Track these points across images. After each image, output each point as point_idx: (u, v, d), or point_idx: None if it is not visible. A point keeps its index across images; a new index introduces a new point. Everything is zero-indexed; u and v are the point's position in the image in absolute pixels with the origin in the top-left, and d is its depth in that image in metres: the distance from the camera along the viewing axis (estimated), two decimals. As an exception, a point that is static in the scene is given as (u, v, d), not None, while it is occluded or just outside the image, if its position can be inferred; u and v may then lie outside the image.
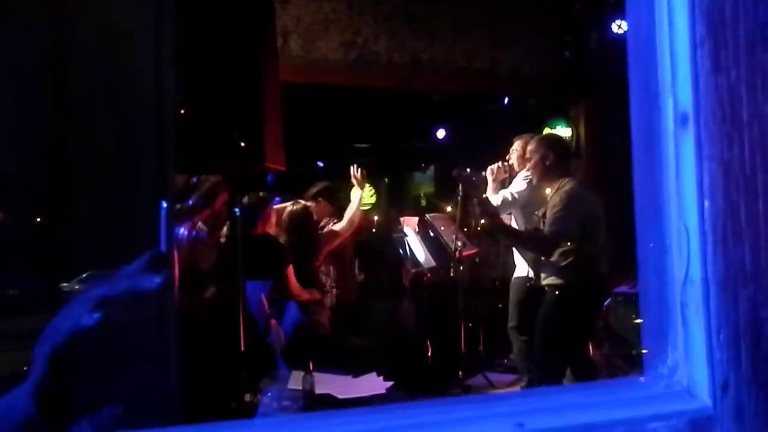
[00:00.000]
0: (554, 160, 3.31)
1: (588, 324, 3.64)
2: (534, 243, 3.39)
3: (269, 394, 3.44)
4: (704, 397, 0.51)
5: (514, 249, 3.84)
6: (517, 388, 3.98)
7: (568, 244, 3.21)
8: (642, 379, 0.54)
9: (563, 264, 3.22)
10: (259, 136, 2.49)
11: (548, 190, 3.58)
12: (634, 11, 0.57)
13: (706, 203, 0.52)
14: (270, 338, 3.87)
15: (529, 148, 3.43)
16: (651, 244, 0.55)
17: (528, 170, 3.53)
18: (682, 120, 0.53)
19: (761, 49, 0.53)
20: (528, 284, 3.69)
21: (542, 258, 3.36)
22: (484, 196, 3.58)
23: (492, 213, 3.44)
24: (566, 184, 3.25)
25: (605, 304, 4.36)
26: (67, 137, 1.64)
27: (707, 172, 0.52)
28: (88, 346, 0.58)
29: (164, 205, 0.70)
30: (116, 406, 0.59)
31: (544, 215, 3.30)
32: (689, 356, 0.52)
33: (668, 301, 0.53)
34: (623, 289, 4.55)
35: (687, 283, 0.52)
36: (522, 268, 3.78)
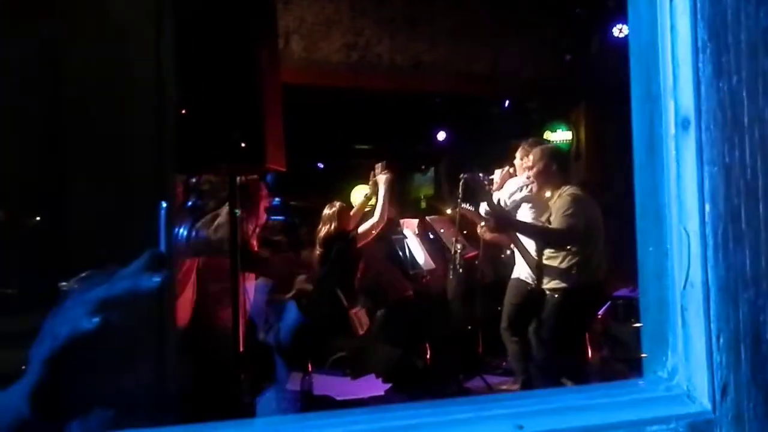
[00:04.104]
0: (556, 169, 3.43)
1: (584, 329, 3.70)
2: (547, 235, 3.45)
3: (267, 395, 3.44)
4: (704, 400, 0.51)
5: (515, 251, 3.86)
6: (512, 390, 3.99)
7: (571, 249, 3.27)
8: (641, 381, 0.54)
9: (566, 267, 3.27)
10: (260, 136, 2.49)
11: (548, 193, 3.63)
12: (635, 15, 0.57)
13: (707, 207, 0.52)
14: (268, 339, 3.88)
15: (532, 157, 3.50)
16: (651, 248, 0.55)
17: (528, 177, 3.59)
18: (683, 124, 0.53)
19: (763, 53, 0.53)
20: (528, 288, 3.71)
21: (547, 261, 3.41)
22: (492, 199, 3.68)
23: (503, 214, 3.55)
24: (568, 189, 3.33)
25: (605, 307, 4.38)
26: (65, 136, 1.64)
27: (708, 176, 0.52)
28: (87, 348, 0.58)
29: (163, 205, 0.70)
30: (107, 408, 0.59)
31: (548, 220, 3.37)
32: (689, 359, 0.52)
33: (668, 304, 0.54)
34: (623, 292, 4.56)
35: (687, 286, 0.52)
36: (520, 269, 3.79)
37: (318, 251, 4.15)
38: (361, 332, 4.18)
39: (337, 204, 4.26)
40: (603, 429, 0.49)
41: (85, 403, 0.57)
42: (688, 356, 0.52)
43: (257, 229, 3.57)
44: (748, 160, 0.53)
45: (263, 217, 3.64)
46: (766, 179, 0.53)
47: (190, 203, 3.46)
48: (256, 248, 3.55)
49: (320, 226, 4.20)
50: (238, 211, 3.08)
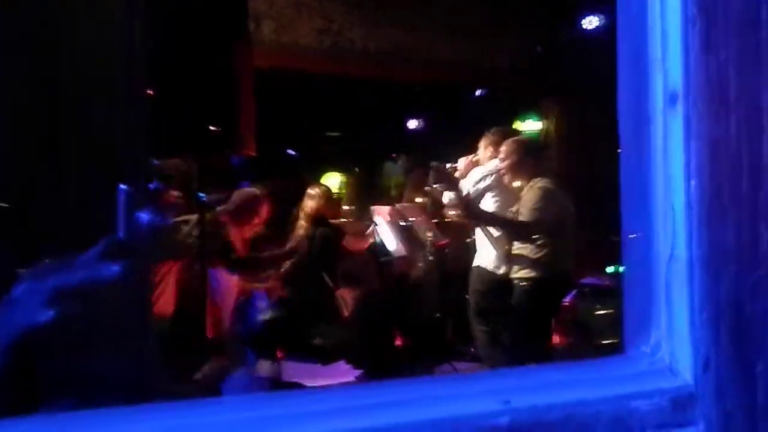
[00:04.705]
0: (528, 159, 3.44)
1: (552, 316, 3.76)
2: (514, 227, 3.48)
3: (233, 379, 3.39)
4: (686, 375, 0.51)
5: (477, 239, 3.89)
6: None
7: (541, 239, 3.30)
8: (625, 356, 0.54)
9: (536, 257, 3.31)
10: (233, 122, 2.45)
11: (517, 183, 3.65)
12: (625, -11, 0.57)
13: (693, 183, 0.52)
14: (238, 328, 3.84)
15: (504, 148, 3.51)
16: (636, 222, 0.55)
17: (501, 169, 3.60)
18: (671, 99, 0.53)
19: (751, 30, 0.53)
20: (490, 276, 3.77)
21: (517, 250, 3.44)
22: (460, 189, 3.68)
23: (471, 203, 3.54)
24: (540, 182, 3.35)
25: (572, 294, 4.46)
26: (32, 118, 1.58)
27: (694, 152, 0.52)
28: (46, 338, 0.55)
29: (123, 188, 0.66)
30: (68, 397, 0.56)
31: (518, 212, 3.39)
32: (672, 334, 0.52)
33: (652, 279, 0.53)
34: (590, 280, 4.65)
35: (672, 261, 0.52)
36: (480, 257, 3.84)
37: (304, 227, 4.18)
38: (347, 313, 4.23)
39: (323, 185, 4.36)
40: (588, 404, 0.49)
41: (48, 393, 0.54)
42: (671, 331, 0.52)
43: (245, 240, 3.56)
44: (734, 136, 0.53)
45: (251, 231, 3.64)
46: (750, 156, 0.53)
47: (151, 186, 3.39)
48: (241, 252, 3.53)
49: (305, 201, 4.23)
50: (203, 195, 3.02)
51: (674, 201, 0.52)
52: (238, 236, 3.57)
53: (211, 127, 2.58)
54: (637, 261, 0.55)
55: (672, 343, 0.52)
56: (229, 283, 3.56)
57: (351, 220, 4.67)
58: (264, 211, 3.67)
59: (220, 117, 2.47)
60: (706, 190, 0.52)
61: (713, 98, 0.52)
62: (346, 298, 4.25)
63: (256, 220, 3.64)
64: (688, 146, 0.52)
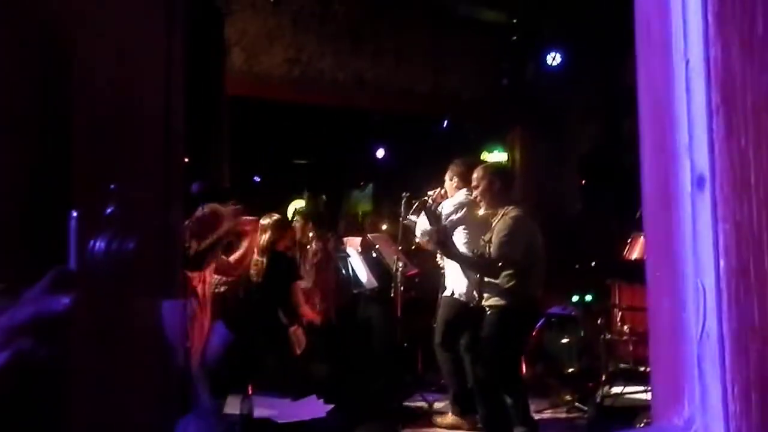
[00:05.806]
0: (500, 187, 3.49)
1: (522, 344, 3.81)
2: (481, 266, 3.52)
3: (186, 421, 3.24)
4: (720, 448, 0.53)
5: (445, 269, 3.93)
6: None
7: (511, 270, 3.34)
8: (658, 427, 0.56)
9: (506, 287, 3.34)
10: (209, 154, 2.44)
11: (482, 211, 3.71)
12: (647, 74, 0.60)
13: (722, 262, 0.54)
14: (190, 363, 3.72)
15: (476, 175, 3.57)
16: (666, 301, 0.57)
17: (475, 196, 3.66)
18: (698, 182, 0.56)
19: (766, 115, 0.57)
20: (461, 305, 3.81)
21: (488, 279, 3.48)
22: (442, 224, 3.72)
23: (445, 239, 3.56)
24: (511, 211, 3.40)
25: (539, 324, 4.52)
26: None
27: (722, 233, 0.55)
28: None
29: (74, 214, 0.64)
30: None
31: (490, 240, 3.43)
32: (706, 408, 0.54)
33: (684, 354, 0.56)
34: (556, 310, 4.73)
35: (703, 338, 0.55)
36: (453, 286, 3.88)
37: (259, 260, 4.08)
38: (299, 351, 4.15)
39: (275, 216, 4.25)
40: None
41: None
42: (704, 405, 0.54)
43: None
44: (755, 217, 0.56)
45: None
46: (769, 235, 0.57)
47: (108, 211, 3.25)
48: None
49: (260, 234, 4.13)
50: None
51: (704, 280, 0.55)
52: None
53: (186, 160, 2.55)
54: (666, 336, 0.57)
55: (706, 417, 0.54)
56: (200, 316, 3.46)
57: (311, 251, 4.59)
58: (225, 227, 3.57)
59: (193, 147, 2.45)
60: (734, 269, 0.55)
61: (736, 181, 0.56)
62: (299, 335, 4.18)
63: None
64: (715, 228, 0.55)
